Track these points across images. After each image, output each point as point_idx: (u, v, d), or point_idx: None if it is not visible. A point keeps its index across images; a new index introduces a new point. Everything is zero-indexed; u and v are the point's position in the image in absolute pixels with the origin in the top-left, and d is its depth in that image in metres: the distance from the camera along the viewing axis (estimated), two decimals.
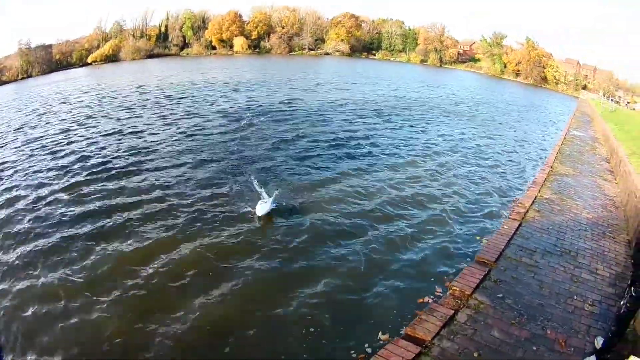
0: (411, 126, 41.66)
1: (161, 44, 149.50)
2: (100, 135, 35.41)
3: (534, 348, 9.82)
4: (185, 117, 41.12)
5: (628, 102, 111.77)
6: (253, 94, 55.44)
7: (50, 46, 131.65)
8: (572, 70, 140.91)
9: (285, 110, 44.90)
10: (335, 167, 27.29)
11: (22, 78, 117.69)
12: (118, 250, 17.37)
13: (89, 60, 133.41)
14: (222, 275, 15.36)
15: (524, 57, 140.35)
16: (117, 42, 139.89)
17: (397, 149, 32.62)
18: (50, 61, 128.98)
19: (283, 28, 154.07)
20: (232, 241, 17.74)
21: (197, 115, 41.90)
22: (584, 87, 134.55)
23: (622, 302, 8.49)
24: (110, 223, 19.64)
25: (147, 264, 16.22)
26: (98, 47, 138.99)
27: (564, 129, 42.74)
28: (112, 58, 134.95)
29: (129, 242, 18.09)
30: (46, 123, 42.00)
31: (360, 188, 23.68)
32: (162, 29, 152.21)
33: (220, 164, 27.61)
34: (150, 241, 17.92)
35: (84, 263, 16.50)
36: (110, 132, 36.58)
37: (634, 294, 7.86)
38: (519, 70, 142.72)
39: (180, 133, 35.07)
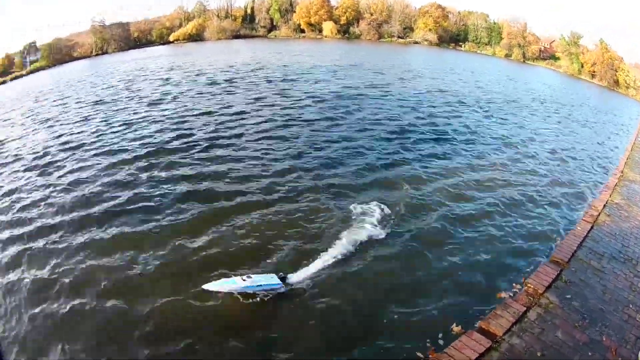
0: (500, 120, 41.80)
1: (247, 25, 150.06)
2: (193, 116, 36.56)
3: (590, 354, 10.30)
4: (282, 101, 41.61)
5: None
6: (349, 80, 55.53)
7: (127, 24, 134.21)
8: None
9: (381, 97, 45.81)
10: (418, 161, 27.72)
11: (97, 54, 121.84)
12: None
13: (171, 38, 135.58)
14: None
15: (598, 58, 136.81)
16: (200, 21, 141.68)
17: (482, 144, 32.83)
18: (128, 39, 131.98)
19: (372, 15, 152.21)
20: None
21: (292, 98, 42.61)
22: None
23: None
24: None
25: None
26: (180, 26, 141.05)
27: (633, 134, 42.26)
28: (196, 37, 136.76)
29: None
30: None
31: (450, 184, 24.12)
32: (248, 11, 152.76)
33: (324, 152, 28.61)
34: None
35: None
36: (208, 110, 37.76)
37: None
38: (594, 72, 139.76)
39: (276, 118, 35.54)
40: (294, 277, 16.07)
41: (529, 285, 12.73)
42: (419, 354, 12.22)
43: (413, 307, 14.05)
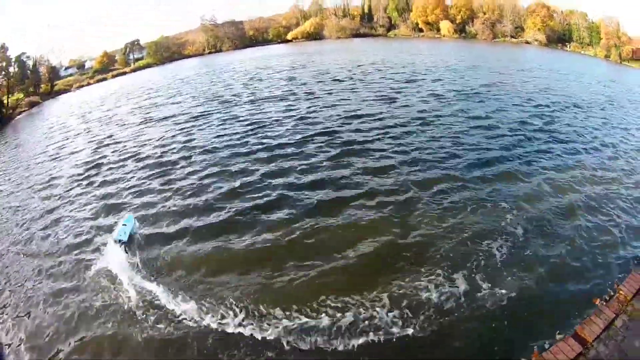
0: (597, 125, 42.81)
1: (366, 24, 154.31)
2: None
3: None
4: (418, 100, 47.47)
5: None
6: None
7: (241, 22, 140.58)
8: None
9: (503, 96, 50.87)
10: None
11: (210, 52, 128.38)
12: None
13: (289, 37, 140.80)
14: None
15: None
16: (318, 20, 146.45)
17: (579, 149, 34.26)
18: (243, 37, 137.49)
19: (485, 14, 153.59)
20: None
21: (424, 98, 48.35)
22: None
23: None
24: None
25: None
26: (297, 24, 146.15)
27: None
28: (315, 36, 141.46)
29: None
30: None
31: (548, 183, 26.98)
32: (366, 10, 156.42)
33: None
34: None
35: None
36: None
37: None
38: None
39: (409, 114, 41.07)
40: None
41: (620, 291, 13.91)
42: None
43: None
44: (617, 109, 51.14)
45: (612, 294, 14.88)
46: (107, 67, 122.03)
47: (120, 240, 24.02)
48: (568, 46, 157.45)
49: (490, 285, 17.32)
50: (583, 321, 13.63)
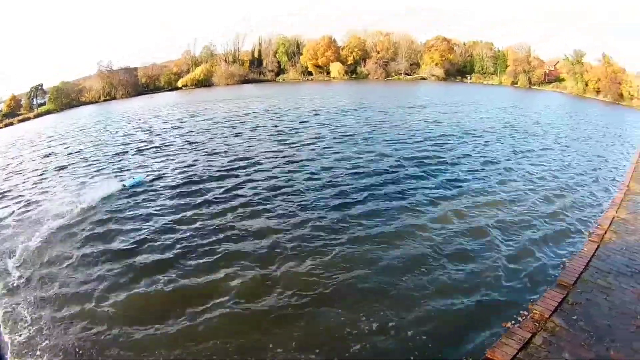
0: (501, 146, 42.04)
1: (255, 69, 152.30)
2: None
3: None
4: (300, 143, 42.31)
5: None
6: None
7: (135, 69, 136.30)
8: None
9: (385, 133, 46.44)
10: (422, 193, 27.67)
11: (105, 100, 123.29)
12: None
13: (179, 84, 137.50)
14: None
15: (602, 73, 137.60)
16: (208, 67, 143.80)
17: (477, 172, 32.71)
18: (136, 84, 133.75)
19: (378, 53, 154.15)
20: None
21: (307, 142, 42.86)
22: None
23: None
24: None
25: None
26: (188, 71, 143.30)
27: (638, 147, 42.36)
28: (205, 83, 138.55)
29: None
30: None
31: (449, 212, 24.13)
32: (255, 55, 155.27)
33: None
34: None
35: None
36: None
37: None
38: (599, 88, 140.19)
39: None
40: None
41: (534, 311, 12.76)
42: None
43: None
44: (513, 134, 51.06)
45: (525, 314, 13.76)
46: (15, 112, 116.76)
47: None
48: (469, 78, 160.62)
49: (398, 318, 15.11)
50: (494, 345, 12.26)
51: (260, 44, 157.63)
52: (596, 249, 15.67)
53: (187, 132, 51.73)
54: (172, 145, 44.65)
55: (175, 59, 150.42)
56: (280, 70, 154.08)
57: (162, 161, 38.00)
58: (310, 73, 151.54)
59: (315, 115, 61.91)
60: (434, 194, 27.25)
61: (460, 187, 28.85)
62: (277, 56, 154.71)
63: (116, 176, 33.29)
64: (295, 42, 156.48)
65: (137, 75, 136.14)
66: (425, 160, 35.57)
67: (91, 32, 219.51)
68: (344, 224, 22.83)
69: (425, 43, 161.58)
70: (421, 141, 42.75)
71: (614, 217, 19.13)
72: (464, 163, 34.96)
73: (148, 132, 54.74)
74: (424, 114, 64.18)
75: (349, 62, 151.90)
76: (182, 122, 60.51)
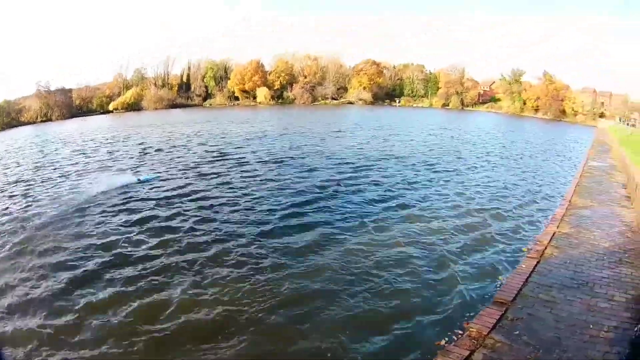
0: (423, 169, 41.66)
1: (183, 93, 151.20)
2: None
3: None
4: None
5: None
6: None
7: (70, 90, 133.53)
8: (589, 100, 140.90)
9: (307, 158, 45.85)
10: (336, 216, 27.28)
11: (42, 121, 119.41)
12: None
13: (111, 107, 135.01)
14: None
15: (543, 91, 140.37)
16: (138, 90, 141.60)
17: (405, 196, 32.28)
18: (71, 106, 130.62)
19: (305, 77, 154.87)
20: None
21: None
22: (601, 115, 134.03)
23: (635, 328, 8.64)
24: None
25: None
26: (119, 94, 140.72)
27: (582, 161, 42.67)
28: (135, 106, 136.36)
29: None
30: None
31: (372, 237, 23.42)
32: (184, 79, 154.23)
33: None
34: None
35: None
36: None
37: None
38: (538, 106, 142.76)
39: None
40: None
41: (471, 329, 12.03)
42: None
43: None
44: (441, 155, 51.54)
45: (461, 333, 12.98)
46: None
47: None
48: (397, 101, 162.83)
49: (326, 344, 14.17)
50: None
51: (189, 68, 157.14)
52: (536, 265, 15.40)
53: (119, 156, 50.86)
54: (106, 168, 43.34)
55: (109, 81, 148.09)
56: (207, 95, 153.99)
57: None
58: (237, 98, 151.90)
59: (241, 140, 62.13)
60: (355, 218, 26.74)
61: (386, 209, 28.66)
62: (205, 81, 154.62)
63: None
64: (224, 67, 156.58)
65: (72, 97, 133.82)
66: (350, 182, 35.64)
67: (32, 50, 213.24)
68: (261, 250, 22.05)
69: (354, 67, 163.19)
70: (342, 164, 43.04)
71: (554, 233, 18.88)
72: (390, 186, 34.99)
73: (82, 154, 53.43)
74: (348, 138, 65.14)
75: (275, 87, 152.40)
76: (113, 146, 59.46)
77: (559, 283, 14.13)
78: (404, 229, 24.48)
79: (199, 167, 42.07)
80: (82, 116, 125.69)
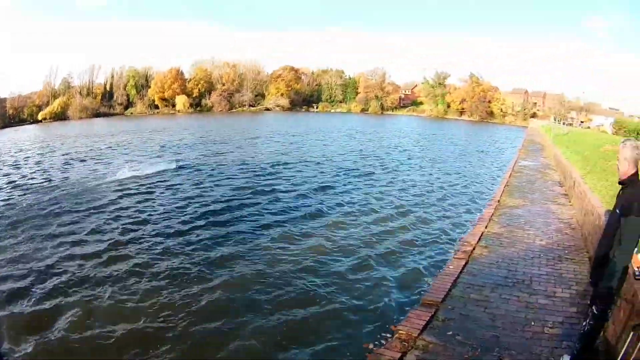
0: (343, 175, 40.28)
1: (107, 102, 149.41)
2: None
3: None
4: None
5: (582, 122, 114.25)
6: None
7: (4, 100, 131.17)
8: (519, 100, 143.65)
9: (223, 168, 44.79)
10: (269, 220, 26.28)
11: None
12: None
13: (40, 117, 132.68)
14: None
15: (468, 94, 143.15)
16: (65, 99, 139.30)
17: (325, 202, 30.97)
18: (4, 115, 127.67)
19: (223, 85, 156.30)
20: None
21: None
22: (533, 115, 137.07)
23: (584, 323, 7.98)
24: None
25: None
26: (48, 103, 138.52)
27: (511, 161, 43.37)
28: (61, 116, 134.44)
29: None
30: None
31: (292, 241, 22.54)
32: (107, 87, 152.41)
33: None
34: None
35: None
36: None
37: (595, 312, 7.44)
38: (463, 109, 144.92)
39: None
40: None
41: (400, 332, 11.38)
42: None
43: None
44: (357, 159, 50.67)
45: (389, 336, 12.22)
46: None
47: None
48: (315, 107, 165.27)
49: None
50: None
51: (112, 76, 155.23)
52: (464, 265, 14.91)
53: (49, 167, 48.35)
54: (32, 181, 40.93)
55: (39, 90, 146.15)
56: (129, 104, 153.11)
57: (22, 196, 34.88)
58: (157, 106, 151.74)
59: (160, 149, 60.55)
60: (276, 226, 25.29)
61: (307, 215, 27.41)
62: (126, 89, 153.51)
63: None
64: (145, 75, 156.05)
65: (6, 107, 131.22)
66: (267, 190, 34.36)
67: None
68: (180, 260, 20.42)
69: (273, 73, 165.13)
70: (259, 171, 42.25)
71: (482, 233, 18.56)
72: (309, 192, 33.97)
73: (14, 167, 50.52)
74: (266, 144, 64.78)
75: (194, 95, 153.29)
76: (42, 157, 56.60)
77: (491, 282, 13.70)
78: (327, 234, 23.67)
79: (118, 177, 40.61)
80: (15, 126, 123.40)
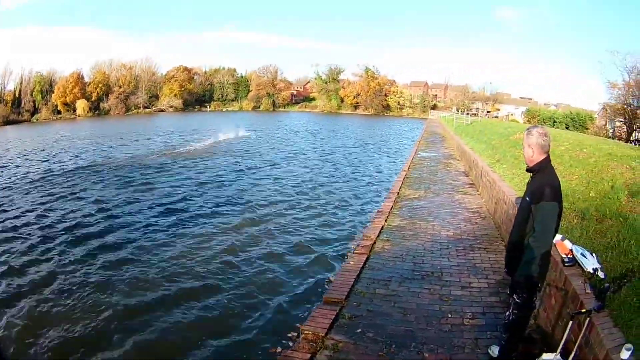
0: (225, 174, 39.21)
1: (16, 109, 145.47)
2: None
3: None
4: None
5: (488, 112, 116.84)
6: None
7: None
8: (418, 93, 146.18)
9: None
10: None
11: None
12: None
13: None
14: None
15: (363, 88, 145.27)
16: None
17: (212, 206, 29.16)
18: None
19: (120, 87, 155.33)
20: None
21: None
22: (434, 107, 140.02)
23: (507, 312, 7.86)
24: None
25: None
26: None
27: (410, 153, 43.08)
28: None
29: None
30: None
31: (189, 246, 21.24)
32: (17, 94, 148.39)
33: None
34: None
35: None
36: None
37: (518, 300, 7.36)
38: (357, 103, 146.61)
39: None
40: None
41: (306, 332, 10.65)
42: None
43: None
44: (246, 156, 50.37)
45: (296, 335, 11.94)
46: None
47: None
48: (207, 106, 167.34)
49: None
50: None
51: (21, 82, 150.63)
52: (366, 260, 14.21)
53: None
54: None
55: None
56: (35, 110, 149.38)
57: None
58: (59, 112, 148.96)
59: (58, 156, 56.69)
60: (160, 231, 24.07)
61: (196, 217, 26.41)
62: (33, 95, 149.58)
63: None
64: (49, 80, 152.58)
65: None
66: (155, 193, 32.79)
67: None
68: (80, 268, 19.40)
69: (167, 74, 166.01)
70: (144, 174, 40.15)
71: (383, 226, 17.77)
72: (192, 192, 32.99)
73: None
74: (155, 144, 63.02)
75: (93, 99, 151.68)
76: None
77: (397, 276, 13.06)
78: (221, 238, 22.60)
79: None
80: None
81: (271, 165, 42.52)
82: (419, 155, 38.90)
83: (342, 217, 25.57)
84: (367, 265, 13.75)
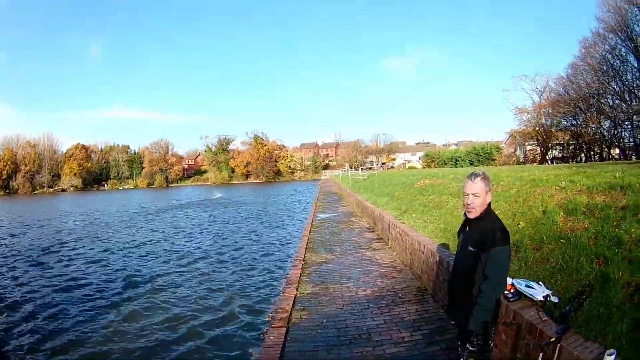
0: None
1: None
2: None
3: None
4: None
5: (383, 164, 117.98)
6: None
7: None
8: (309, 155, 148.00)
9: None
10: None
11: None
12: None
13: None
14: None
15: (253, 156, 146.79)
16: None
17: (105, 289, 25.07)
18: None
19: (26, 166, 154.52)
20: None
21: None
22: (326, 167, 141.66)
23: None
24: None
25: None
26: None
27: (308, 217, 42.71)
28: None
29: None
30: None
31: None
32: None
33: None
34: None
35: None
36: None
37: (472, 348, 6.84)
38: (248, 172, 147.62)
39: None
40: None
41: None
42: None
43: None
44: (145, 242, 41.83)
45: None
46: None
47: None
48: (105, 185, 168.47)
49: None
50: None
51: None
52: (286, 333, 13.36)
53: None
54: None
55: None
56: None
57: None
58: None
59: None
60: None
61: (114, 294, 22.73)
62: None
63: None
64: None
65: None
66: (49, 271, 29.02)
67: None
68: None
69: (66, 152, 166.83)
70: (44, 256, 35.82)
71: (296, 296, 16.92)
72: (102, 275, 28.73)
73: None
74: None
75: (3, 177, 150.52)
76: None
77: (323, 344, 12.43)
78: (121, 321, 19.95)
79: None
80: None
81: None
82: (317, 218, 38.12)
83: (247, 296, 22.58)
84: (289, 338, 13.13)
